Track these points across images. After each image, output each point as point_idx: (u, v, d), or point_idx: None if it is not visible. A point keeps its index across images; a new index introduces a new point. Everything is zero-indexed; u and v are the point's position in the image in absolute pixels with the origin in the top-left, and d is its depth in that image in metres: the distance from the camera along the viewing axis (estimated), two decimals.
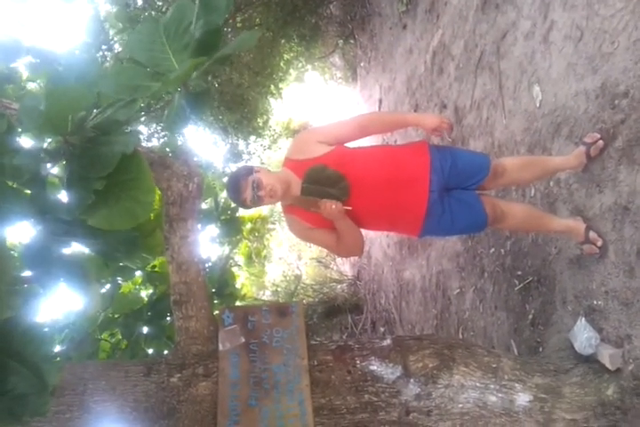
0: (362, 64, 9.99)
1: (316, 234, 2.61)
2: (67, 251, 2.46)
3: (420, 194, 2.49)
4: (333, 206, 2.36)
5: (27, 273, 2.30)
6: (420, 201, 2.49)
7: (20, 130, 1.86)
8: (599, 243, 2.57)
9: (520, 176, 2.80)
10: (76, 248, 2.71)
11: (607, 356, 2.36)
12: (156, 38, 1.98)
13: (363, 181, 2.48)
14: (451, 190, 2.60)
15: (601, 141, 2.63)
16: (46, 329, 2.93)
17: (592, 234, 2.60)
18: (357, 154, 2.58)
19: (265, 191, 2.39)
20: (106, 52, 7.03)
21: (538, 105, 3.35)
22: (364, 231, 2.61)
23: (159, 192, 2.56)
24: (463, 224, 2.60)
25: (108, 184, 1.82)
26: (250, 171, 2.46)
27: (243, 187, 2.41)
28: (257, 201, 2.42)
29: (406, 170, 2.51)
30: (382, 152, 2.66)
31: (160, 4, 7.75)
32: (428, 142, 2.68)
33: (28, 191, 1.96)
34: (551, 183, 3.13)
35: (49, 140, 1.97)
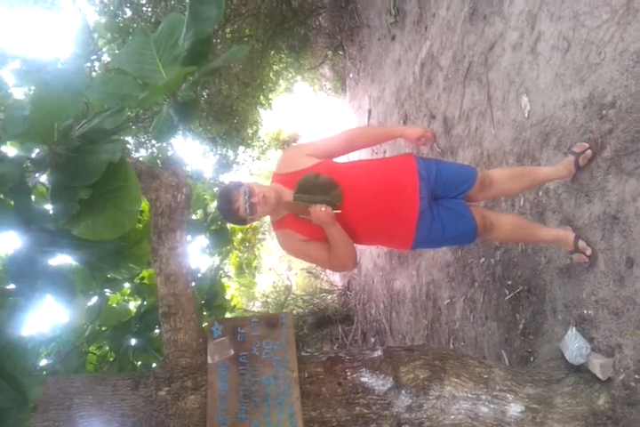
0: (351, 75, 10.04)
1: (308, 247, 2.58)
2: (52, 262, 2.42)
3: (410, 201, 2.49)
4: (323, 209, 2.35)
5: (11, 286, 2.27)
6: (411, 208, 2.49)
7: (4, 138, 1.84)
8: (588, 252, 2.58)
9: (509, 187, 2.81)
10: (62, 260, 2.68)
11: (598, 365, 2.35)
12: (146, 51, 1.98)
13: (354, 190, 2.48)
14: (439, 200, 2.61)
15: (589, 151, 2.65)
16: (31, 342, 2.88)
17: (581, 243, 2.61)
18: (346, 167, 2.61)
19: (258, 198, 2.37)
20: (94, 63, 7.01)
21: (526, 115, 3.36)
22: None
23: (146, 202, 2.53)
24: (453, 233, 2.59)
25: (94, 193, 1.80)
26: (239, 183, 2.45)
27: (235, 196, 2.39)
28: (250, 210, 2.38)
29: (395, 179, 2.52)
30: (370, 165, 2.69)
31: (149, 14, 7.75)
32: (413, 154, 2.71)
33: (12, 202, 1.93)
34: (540, 193, 3.14)
35: (36, 149, 1.95)
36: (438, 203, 2.59)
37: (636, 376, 2.24)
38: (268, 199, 2.39)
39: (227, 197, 2.42)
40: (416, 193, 2.50)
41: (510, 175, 2.80)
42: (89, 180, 1.76)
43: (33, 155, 1.98)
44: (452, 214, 2.57)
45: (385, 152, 6.94)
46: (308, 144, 2.75)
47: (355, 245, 2.58)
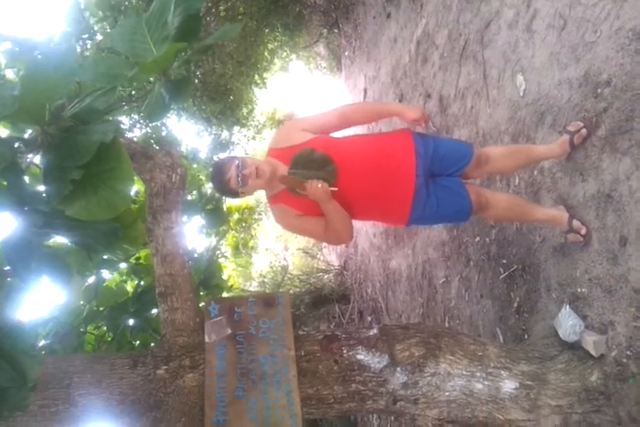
0: (346, 53, 9.94)
1: (304, 222, 2.58)
2: (47, 244, 2.42)
3: (406, 179, 2.49)
4: (319, 186, 2.34)
5: (7, 267, 2.27)
6: (406, 186, 2.49)
7: None
8: (583, 231, 2.59)
9: (504, 165, 2.81)
10: (58, 241, 2.68)
11: (591, 342, 2.38)
12: (137, 30, 1.96)
13: (349, 165, 2.47)
14: (435, 177, 2.60)
15: (584, 130, 2.64)
16: (30, 323, 2.89)
17: (575, 223, 2.62)
18: (342, 142, 2.60)
19: (250, 170, 2.37)
20: (86, 41, 6.91)
21: (521, 94, 3.35)
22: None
23: (141, 183, 2.53)
24: (448, 210, 2.60)
25: (87, 174, 1.79)
26: (235, 156, 2.45)
27: (227, 167, 2.39)
28: (242, 182, 2.38)
29: (392, 155, 2.52)
30: (366, 140, 2.67)
31: None
32: (410, 129, 2.69)
33: (5, 183, 1.92)
34: (535, 172, 3.14)
35: (28, 130, 1.94)
36: (434, 180, 2.59)
37: (628, 353, 2.27)
38: (262, 172, 2.39)
39: (219, 168, 2.43)
40: (412, 170, 2.49)
41: (505, 153, 2.80)
42: (81, 160, 1.75)
43: (25, 135, 1.96)
44: (448, 192, 2.58)
45: (380, 130, 6.90)
46: (303, 119, 2.72)
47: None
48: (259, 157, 2.65)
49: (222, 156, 10.49)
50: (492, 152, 2.76)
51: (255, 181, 2.41)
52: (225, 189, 2.47)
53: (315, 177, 2.41)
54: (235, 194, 2.48)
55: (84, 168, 1.77)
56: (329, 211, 2.45)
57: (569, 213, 2.67)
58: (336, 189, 2.41)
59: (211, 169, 2.54)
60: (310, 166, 2.45)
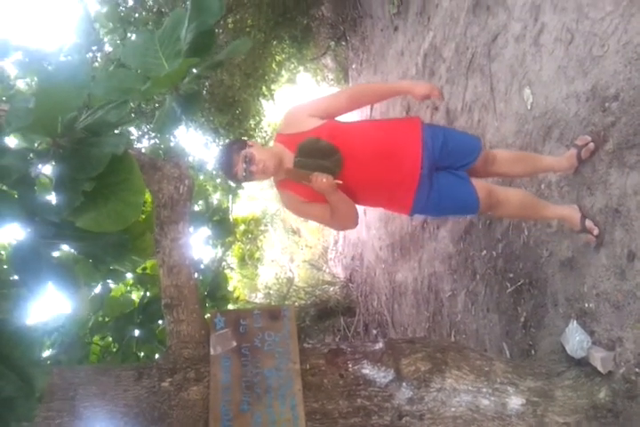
0: (353, 66, 9.99)
1: (309, 208, 2.60)
2: (56, 254, 2.43)
3: (412, 168, 2.48)
4: (324, 180, 2.34)
5: (15, 276, 2.28)
6: (411, 176, 2.48)
7: (8, 130, 1.84)
8: (595, 232, 2.54)
9: (510, 169, 2.80)
10: (66, 251, 2.68)
11: (599, 359, 2.36)
12: (149, 46, 1.99)
13: (356, 153, 2.47)
14: (440, 170, 2.58)
15: (592, 144, 2.63)
16: (36, 333, 2.89)
17: (588, 223, 2.58)
18: (349, 128, 2.59)
19: (257, 167, 2.39)
20: (96, 53, 6.98)
21: (529, 107, 3.35)
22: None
23: (149, 194, 2.54)
24: (451, 203, 2.58)
25: (98, 186, 1.81)
26: (243, 145, 2.45)
27: (235, 161, 2.40)
28: (248, 176, 2.42)
29: (399, 144, 2.51)
30: (374, 126, 2.66)
31: (151, 3, 7.72)
32: (420, 119, 2.67)
33: (16, 194, 1.93)
34: (542, 186, 3.13)
35: (39, 141, 1.95)
36: (438, 173, 2.57)
37: (637, 370, 2.25)
38: (267, 168, 2.41)
39: (227, 159, 2.43)
40: (418, 161, 2.48)
41: (513, 157, 2.80)
42: (92, 172, 1.76)
43: (36, 146, 1.98)
44: (452, 185, 2.56)
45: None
46: (310, 104, 2.67)
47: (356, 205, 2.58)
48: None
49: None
50: (500, 154, 2.76)
51: (261, 175, 2.45)
52: (231, 178, 2.51)
53: (320, 166, 2.41)
54: (239, 182, 2.53)
55: (95, 180, 1.78)
56: (334, 201, 2.46)
57: (581, 213, 2.64)
58: (341, 182, 2.41)
59: (219, 153, 2.54)
60: (316, 155, 2.45)
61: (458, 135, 2.74)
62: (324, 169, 2.40)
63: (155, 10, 7.53)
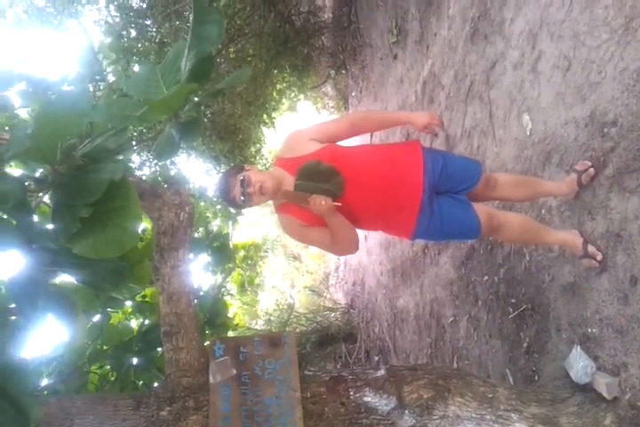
0: (353, 93, 10.11)
1: (309, 232, 2.57)
2: (54, 282, 2.41)
3: (413, 193, 2.48)
4: (323, 202, 2.32)
5: (12, 305, 2.26)
6: (413, 201, 2.48)
7: (7, 157, 1.85)
8: (599, 257, 2.53)
9: (510, 193, 2.80)
10: (64, 279, 2.67)
11: (604, 385, 2.32)
12: (151, 77, 2.02)
13: (357, 177, 2.46)
14: (440, 194, 2.58)
15: (592, 169, 2.65)
16: (33, 362, 2.86)
17: (591, 248, 2.57)
18: (350, 151, 2.58)
19: (254, 188, 2.37)
20: (99, 83, 7.07)
21: (528, 133, 3.37)
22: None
23: (149, 221, 2.54)
24: (453, 228, 2.56)
25: (95, 212, 1.81)
26: (239, 169, 2.45)
27: (231, 184, 2.40)
28: (246, 199, 2.39)
29: (400, 168, 2.50)
30: (375, 150, 2.67)
31: (154, 35, 7.85)
32: (420, 143, 2.68)
33: (14, 221, 1.93)
34: (543, 210, 3.14)
35: (38, 169, 1.96)
36: (439, 198, 2.56)
37: None
38: (265, 189, 2.39)
39: (224, 183, 2.44)
40: (419, 186, 2.47)
41: (515, 182, 2.80)
42: (90, 198, 1.76)
43: (35, 174, 1.99)
44: (453, 210, 2.55)
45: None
46: (311, 128, 2.67)
47: (356, 230, 2.56)
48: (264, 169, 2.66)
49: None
50: (501, 178, 2.76)
51: (260, 198, 2.43)
52: (229, 204, 2.51)
53: (321, 189, 2.40)
54: (239, 208, 2.51)
55: (92, 206, 1.78)
56: (333, 224, 2.44)
57: (583, 238, 2.63)
58: (340, 204, 2.39)
59: (217, 180, 2.54)
60: (316, 179, 2.44)
61: (457, 160, 2.75)
62: (326, 192, 2.39)
63: (157, 40, 7.66)
